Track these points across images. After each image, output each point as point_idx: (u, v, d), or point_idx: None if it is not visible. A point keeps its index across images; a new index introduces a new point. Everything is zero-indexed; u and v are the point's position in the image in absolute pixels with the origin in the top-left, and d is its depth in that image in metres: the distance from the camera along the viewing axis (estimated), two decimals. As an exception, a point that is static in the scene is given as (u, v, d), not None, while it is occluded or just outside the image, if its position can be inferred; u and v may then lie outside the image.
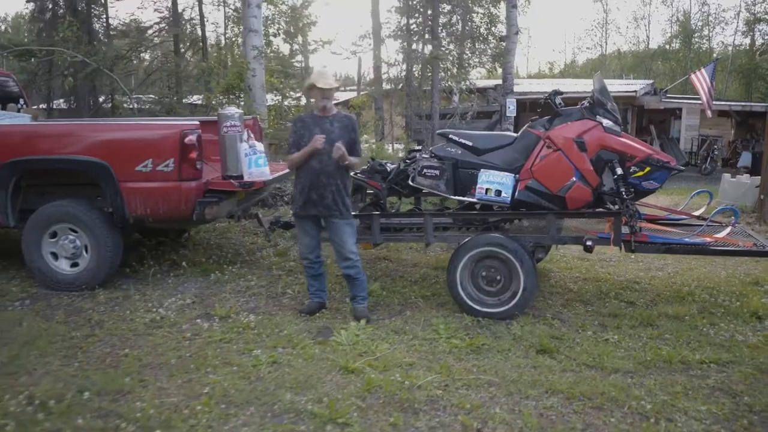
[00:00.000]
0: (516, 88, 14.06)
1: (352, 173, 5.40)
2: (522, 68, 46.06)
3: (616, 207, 4.47)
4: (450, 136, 5.01)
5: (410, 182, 5.01)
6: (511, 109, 12.62)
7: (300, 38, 14.57)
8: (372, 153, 10.25)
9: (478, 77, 17.63)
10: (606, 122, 4.49)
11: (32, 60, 9.31)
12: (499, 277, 4.37)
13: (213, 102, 8.64)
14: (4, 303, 4.72)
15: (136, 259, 5.80)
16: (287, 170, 5.16)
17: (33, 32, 11.03)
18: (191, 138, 4.85)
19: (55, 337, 4.00)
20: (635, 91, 18.42)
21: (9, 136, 5.05)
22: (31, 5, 10.93)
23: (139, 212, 4.95)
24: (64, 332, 4.09)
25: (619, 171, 4.37)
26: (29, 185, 5.19)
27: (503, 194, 4.57)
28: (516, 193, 4.55)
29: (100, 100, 10.11)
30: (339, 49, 34.39)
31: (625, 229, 4.43)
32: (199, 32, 11.49)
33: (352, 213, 4.47)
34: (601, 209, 4.62)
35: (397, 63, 12.40)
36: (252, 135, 5.10)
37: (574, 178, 4.36)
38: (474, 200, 4.74)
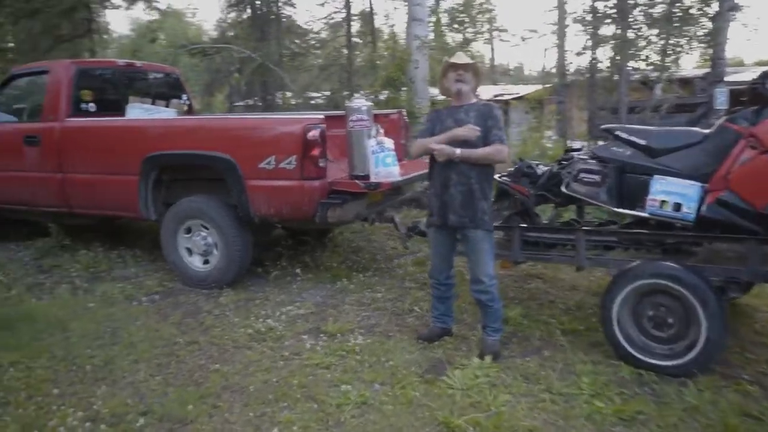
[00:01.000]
0: (733, 77, 11.82)
1: (497, 176, 4.64)
2: (747, 55, 40.02)
3: None
4: (617, 132, 3.98)
5: (563, 189, 4.09)
6: (721, 101, 10.51)
7: (475, 26, 13.77)
8: (549, 151, 9.23)
9: (688, 65, 15.29)
10: None
11: (203, 57, 9.90)
12: (671, 320, 3.30)
13: (373, 96, 8.30)
14: (137, 296, 4.75)
15: (273, 259, 5.61)
16: (423, 171, 4.53)
17: (223, 31, 11.77)
18: (314, 134, 4.44)
19: (159, 341, 3.83)
20: None
21: (147, 131, 5.09)
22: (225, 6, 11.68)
23: (263, 211, 4.68)
24: (170, 336, 3.92)
25: None
26: (172, 179, 5.21)
27: (684, 209, 3.46)
28: (703, 208, 3.41)
29: (275, 96, 10.39)
30: (512, 38, 32.41)
31: None
32: (371, 24, 11.35)
33: (492, 224, 3.70)
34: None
35: (584, 51, 11.06)
36: (381, 130, 4.54)
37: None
38: (644, 215, 3.69)
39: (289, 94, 9.91)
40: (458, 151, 3.42)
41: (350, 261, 5.59)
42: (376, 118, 5.68)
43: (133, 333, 3.95)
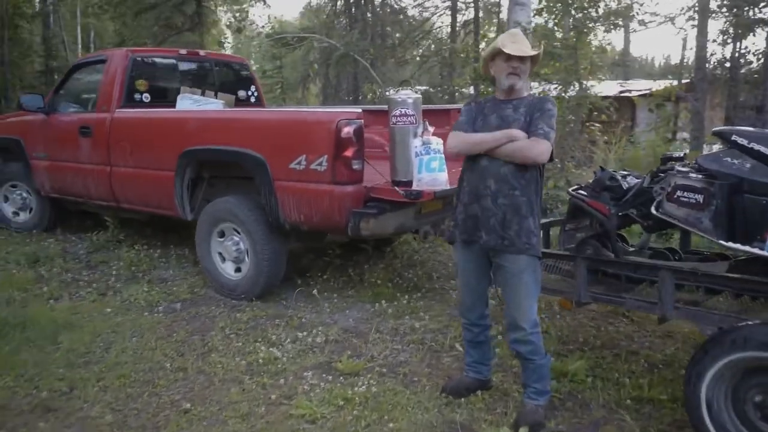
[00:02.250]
0: None
1: (570, 189, 3.70)
2: None
3: None
4: (734, 137, 2.90)
5: (653, 210, 3.10)
6: None
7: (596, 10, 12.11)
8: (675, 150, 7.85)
9: None
10: None
11: (284, 48, 9.57)
12: (790, 415, 2.26)
13: (463, 90, 7.47)
14: (159, 304, 4.36)
15: (319, 269, 5.03)
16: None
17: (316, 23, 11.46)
18: (348, 131, 3.76)
19: (145, 364, 3.36)
20: None
21: (183, 124, 4.69)
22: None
23: (293, 218, 4.09)
24: (161, 358, 3.44)
25: None
26: (213, 177, 4.78)
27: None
28: None
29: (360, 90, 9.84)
30: (637, 25, 29.04)
31: None
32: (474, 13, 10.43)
33: (541, 249, 2.82)
34: None
35: (725, 41, 9.41)
36: (430, 128, 3.76)
37: None
38: (765, 253, 2.64)
39: (372, 85, 9.32)
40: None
41: (402, 278, 4.85)
42: (442, 114, 4.92)
43: (125, 350, 3.53)
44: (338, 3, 10.26)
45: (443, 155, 3.74)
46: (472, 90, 7.76)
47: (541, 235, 3.15)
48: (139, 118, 5.04)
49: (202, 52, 5.97)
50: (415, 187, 3.73)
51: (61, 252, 5.69)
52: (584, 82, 7.63)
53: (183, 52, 5.82)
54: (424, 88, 10.19)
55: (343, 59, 8.42)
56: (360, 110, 3.84)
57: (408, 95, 3.77)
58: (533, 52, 2.76)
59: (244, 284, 4.43)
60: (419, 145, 3.71)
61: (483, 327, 3.00)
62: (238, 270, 4.53)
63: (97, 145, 5.25)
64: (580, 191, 3.60)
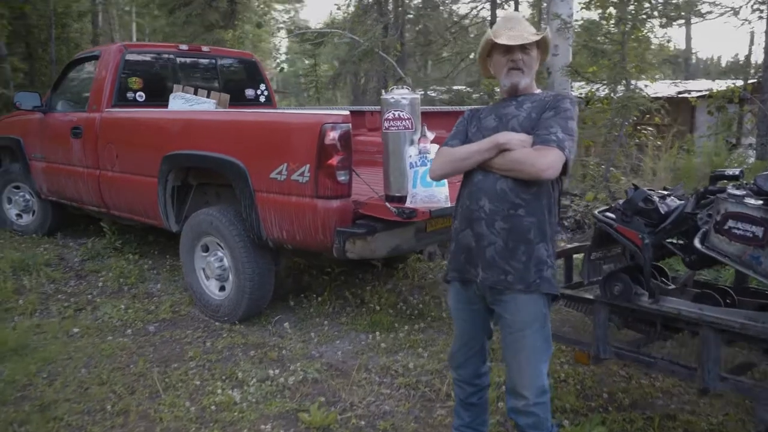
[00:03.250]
0: None
1: (597, 211, 3.06)
2: None
3: None
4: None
5: (697, 244, 2.44)
6: None
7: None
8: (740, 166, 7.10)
9: None
10: None
11: (306, 44, 9.08)
12: None
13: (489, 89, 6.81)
14: (132, 325, 3.93)
15: (318, 287, 4.52)
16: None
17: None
18: (333, 136, 3.22)
19: (84, 403, 2.92)
20: None
21: (165, 126, 4.24)
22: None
23: (275, 235, 3.59)
24: (109, 395, 2.99)
25: None
26: (202, 184, 4.34)
27: None
28: None
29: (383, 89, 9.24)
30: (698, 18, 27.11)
31: None
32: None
33: (557, 286, 2.21)
34: None
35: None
36: (430, 135, 3.19)
37: None
38: None
39: (396, 83, 8.72)
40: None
41: (406, 303, 4.27)
42: (448, 117, 4.33)
43: (70, 384, 3.09)
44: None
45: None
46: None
47: (559, 265, 2.53)
48: (124, 118, 4.64)
49: (205, 48, 5.54)
50: (409, 203, 3.16)
51: (55, 258, 5.37)
52: (633, 81, 6.84)
53: (183, 47, 5.40)
54: (460, 87, 9.55)
55: (366, 56, 7.89)
56: (347, 112, 3.28)
57: (402, 95, 3.20)
58: (536, 37, 2.15)
59: (226, 305, 3.96)
60: (415, 154, 3.14)
61: (478, 388, 2.40)
62: (222, 289, 4.06)
63: (87, 147, 4.89)
64: (608, 213, 2.96)
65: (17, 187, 6.11)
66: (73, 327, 3.87)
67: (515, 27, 2.16)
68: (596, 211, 3.05)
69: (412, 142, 3.21)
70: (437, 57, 10.31)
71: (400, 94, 3.21)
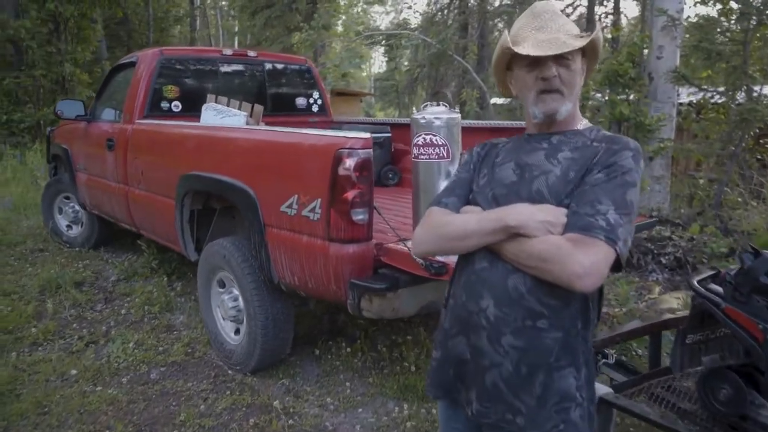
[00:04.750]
0: None
1: (694, 281, 2.22)
2: None
3: None
4: None
5: None
6: None
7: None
8: None
9: None
10: None
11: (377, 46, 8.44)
12: None
13: (589, 100, 5.86)
14: (134, 369, 3.47)
15: (357, 329, 3.90)
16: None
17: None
18: (348, 164, 2.56)
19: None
20: None
21: (182, 142, 3.75)
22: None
23: (287, 279, 2.98)
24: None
25: None
26: (226, 208, 3.83)
27: None
28: None
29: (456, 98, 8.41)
30: None
31: None
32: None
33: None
34: None
35: None
36: (470, 165, 2.45)
37: None
38: None
39: (471, 91, 7.82)
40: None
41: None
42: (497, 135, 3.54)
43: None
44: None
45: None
46: (601, 97, 6.10)
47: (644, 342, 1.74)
48: (149, 131, 4.21)
49: (251, 52, 5.05)
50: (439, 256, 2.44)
51: (92, 276, 5.08)
52: (756, 87, 5.68)
53: (227, 51, 4.94)
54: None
55: (439, 59, 7.15)
56: (368, 135, 2.60)
57: (436, 115, 2.48)
58: (579, 41, 1.39)
59: (239, 353, 3.41)
60: (448, 191, 2.42)
61: None
62: (237, 332, 3.52)
63: (118, 161, 4.53)
64: (713, 285, 2.11)
65: (68, 198, 5.93)
66: (72, 368, 3.45)
67: (546, 26, 1.42)
68: (696, 281, 2.20)
69: (448, 175, 2.50)
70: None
71: (433, 114, 2.49)
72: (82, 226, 5.90)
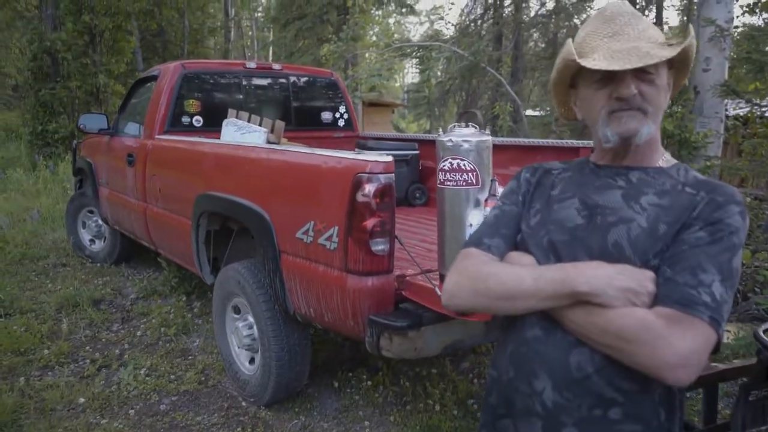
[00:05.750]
0: None
1: (760, 331, 1.94)
2: None
3: None
4: None
5: None
6: None
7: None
8: None
9: None
10: None
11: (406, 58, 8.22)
12: None
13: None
14: (144, 398, 3.30)
15: (380, 360, 3.67)
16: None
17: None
18: (368, 190, 2.35)
19: None
20: None
21: (198, 159, 3.59)
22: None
23: (302, 309, 2.78)
24: None
25: None
26: (244, 229, 3.64)
27: None
28: None
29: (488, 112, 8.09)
30: None
31: None
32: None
33: None
34: None
35: None
36: (501, 191, 2.20)
37: None
38: None
39: (505, 105, 7.50)
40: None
41: (479, 401, 3.28)
42: (533, 154, 3.33)
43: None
44: (477, 7, 8.68)
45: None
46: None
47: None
48: (168, 147, 4.07)
49: (276, 65, 4.89)
50: (466, 292, 2.20)
51: (111, 293, 4.97)
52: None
53: (251, 65, 4.79)
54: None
55: (471, 71, 6.91)
56: (390, 159, 2.38)
57: (465, 137, 2.24)
58: (668, 52, 1.13)
59: (253, 384, 3.21)
60: (479, 222, 2.17)
61: None
62: (251, 362, 3.33)
63: (137, 177, 4.41)
64: (786, 339, 1.83)
65: (91, 212, 5.85)
66: (80, 396, 3.30)
67: (622, 33, 1.16)
68: (761, 331, 1.92)
69: (476, 204, 2.26)
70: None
71: (461, 136, 2.25)
72: (104, 241, 5.81)
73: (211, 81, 4.61)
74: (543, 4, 10.18)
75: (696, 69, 5.75)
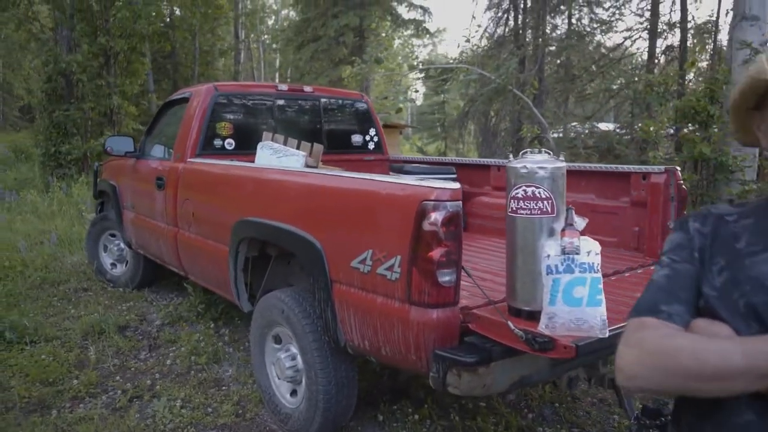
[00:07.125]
0: None
1: None
2: None
3: None
4: None
5: None
6: None
7: None
8: None
9: None
10: None
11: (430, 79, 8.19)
12: None
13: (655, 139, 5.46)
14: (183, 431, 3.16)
15: (424, 390, 3.53)
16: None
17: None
18: (434, 219, 2.24)
19: None
20: None
21: (235, 184, 3.50)
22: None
23: (355, 341, 2.66)
24: None
25: None
26: (281, 255, 3.53)
27: None
28: None
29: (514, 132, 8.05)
30: None
31: None
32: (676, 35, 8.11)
33: None
34: None
35: None
36: (579, 222, 2.10)
37: None
38: None
39: (532, 126, 7.44)
40: None
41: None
42: (613, 180, 3.21)
43: None
44: (504, 28, 8.67)
45: (599, 274, 2.06)
46: (670, 132, 5.68)
47: None
48: (201, 171, 3.98)
49: (307, 88, 4.83)
50: (543, 327, 2.08)
51: (136, 319, 4.85)
52: None
53: (283, 87, 4.72)
54: (608, 126, 8.15)
55: (498, 94, 6.86)
56: (458, 186, 2.28)
57: (539, 164, 2.15)
58: None
59: (296, 417, 3.07)
60: (556, 253, 2.06)
61: None
62: (294, 394, 3.19)
63: (168, 202, 4.31)
64: None
65: (113, 235, 5.76)
66: (115, 429, 3.16)
67: None
68: None
69: (551, 233, 2.15)
70: (580, 94, 9.03)
71: (536, 163, 2.16)
72: (126, 265, 5.70)
73: (243, 103, 4.54)
74: (555, 27, 10.21)
75: (730, 92, 5.66)
